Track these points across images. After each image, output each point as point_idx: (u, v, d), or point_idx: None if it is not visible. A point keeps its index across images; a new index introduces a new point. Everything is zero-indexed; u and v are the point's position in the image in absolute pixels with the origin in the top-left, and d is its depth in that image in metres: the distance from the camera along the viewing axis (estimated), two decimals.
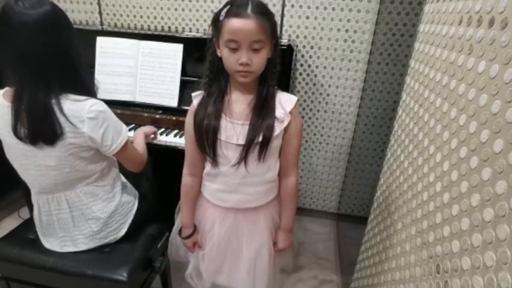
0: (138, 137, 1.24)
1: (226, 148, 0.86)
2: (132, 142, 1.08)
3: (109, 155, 0.99)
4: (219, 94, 0.86)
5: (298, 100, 0.88)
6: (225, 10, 0.76)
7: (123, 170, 1.16)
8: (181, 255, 1.10)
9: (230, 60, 0.78)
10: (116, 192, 1.10)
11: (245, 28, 0.74)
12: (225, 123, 0.85)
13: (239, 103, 0.86)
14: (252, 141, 0.83)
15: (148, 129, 1.38)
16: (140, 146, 1.17)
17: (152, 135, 1.42)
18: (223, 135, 0.85)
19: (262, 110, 0.84)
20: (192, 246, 1.03)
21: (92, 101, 0.90)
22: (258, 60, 0.79)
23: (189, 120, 0.90)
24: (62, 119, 0.86)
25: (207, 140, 0.85)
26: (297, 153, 0.93)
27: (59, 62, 0.87)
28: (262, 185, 0.92)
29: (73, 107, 0.87)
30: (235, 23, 0.74)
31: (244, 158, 0.85)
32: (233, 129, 0.85)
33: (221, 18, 0.76)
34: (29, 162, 0.94)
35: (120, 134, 0.97)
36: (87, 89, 0.95)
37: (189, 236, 1.01)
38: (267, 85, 0.85)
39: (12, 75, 0.87)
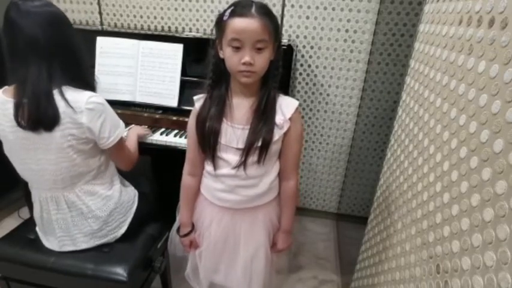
0: (132, 136, 1.28)
1: (226, 151, 0.87)
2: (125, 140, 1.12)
3: (106, 148, 1.00)
4: (221, 98, 0.87)
5: (299, 105, 0.88)
6: (229, 11, 0.77)
7: (123, 172, 1.16)
8: (179, 251, 1.10)
9: (233, 59, 0.79)
10: (115, 190, 1.10)
11: (249, 27, 0.75)
12: (225, 127, 0.86)
13: (241, 107, 0.87)
14: (251, 145, 0.84)
15: (142, 130, 1.40)
16: (132, 145, 1.21)
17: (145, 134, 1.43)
18: (223, 139, 0.86)
19: (263, 114, 0.85)
20: (189, 246, 1.03)
21: (90, 93, 0.93)
22: (261, 60, 0.79)
23: (191, 122, 0.92)
24: (62, 105, 0.89)
25: (208, 142, 0.87)
26: (297, 158, 0.93)
27: (63, 54, 0.92)
28: (260, 188, 0.92)
29: (72, 98, 0.90)
30: (239, 23, 0.75)
31: (244, 161, 0.86)
32: (233, 133, 0.86)
33: (225, 18, 0.77)
34: (29, 156, 0.95)
35: (118, 127, 1.00)
36: (88, 84, 0.99)
37: (186, 235, 1.01)
38: (268, 88, 0.86)
39: (17, 67, 0.89)
